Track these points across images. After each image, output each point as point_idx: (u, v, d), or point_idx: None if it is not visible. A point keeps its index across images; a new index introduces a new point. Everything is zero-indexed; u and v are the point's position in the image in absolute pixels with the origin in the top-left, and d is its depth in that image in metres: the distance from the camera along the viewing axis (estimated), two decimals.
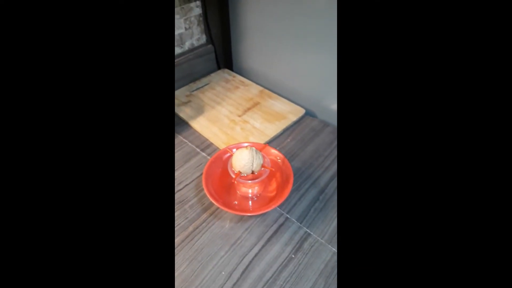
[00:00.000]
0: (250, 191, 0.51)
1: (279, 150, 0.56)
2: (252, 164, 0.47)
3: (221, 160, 0.55)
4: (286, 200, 0.51)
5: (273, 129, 0.68)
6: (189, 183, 0.58)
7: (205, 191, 0.48)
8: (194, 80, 0.84)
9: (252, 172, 0.48)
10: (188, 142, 0.67)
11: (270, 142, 0.66)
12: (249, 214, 0.46)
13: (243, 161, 0.46)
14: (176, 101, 0.76)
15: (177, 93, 0.79)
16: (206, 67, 0.87)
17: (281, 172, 0.54)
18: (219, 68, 0.90)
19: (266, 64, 0.83)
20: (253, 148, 0.47)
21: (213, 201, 0.47)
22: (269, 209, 0.46)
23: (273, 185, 0.54)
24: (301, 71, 0.74)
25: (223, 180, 0.53)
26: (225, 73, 0.87)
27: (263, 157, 0.50)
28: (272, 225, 0.51)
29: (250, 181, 0.47)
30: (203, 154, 0.64)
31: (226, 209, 0.46)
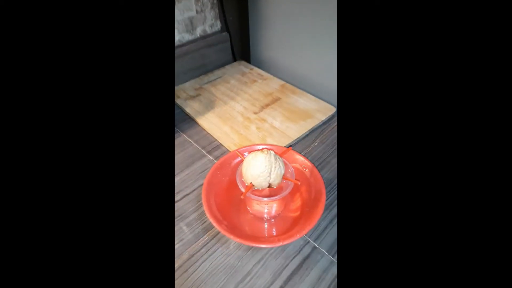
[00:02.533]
0: (266, 210, 0.37)
1: (305, 156, 0.42)
2: (270, 174, 0.33)
3: (229, 167, 0.41)
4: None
5: (296, 130, 0.54)
6: (190, 193, 0.45)
7: (205, 208, 0.35)
8: (205, 72, 0.72)
9: (269, 186, 0.34)
10: (192, 142, 0.54)
11: (292, 146, 0.52)
12: (262, 246, 0.32)
13: (257, 169, 0.33)
14: (183, 95, 0.64)
15: (186, 86, 0.67)
16: (220, 58, 0.74)
17: (309, 185, 0.39)
18: (234, 59, 0.77)
19: (289, 56, 0.70)
20: (272, 152, 0.34)
21: (214, 224, 0.33)
22: (291, 240, 0.32)
23: (297, 203, 0.40)
24: (331, 63, 0.59)
25: (230, 193, 0.40)
26: (241, 65, 0.74)
27: (285, 165, 0.36)
28: (294, 257, 0.37)
29: (266, 199, 0.34)
30: (210, 157, 0.51)
31: (231, 236, 0.32)
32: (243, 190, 0.34)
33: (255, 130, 0.54)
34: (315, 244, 0.38)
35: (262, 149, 0.33)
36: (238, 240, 0.32)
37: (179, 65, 0.67)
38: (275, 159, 0.33)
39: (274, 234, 0.37)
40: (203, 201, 0.35)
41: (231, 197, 0.39)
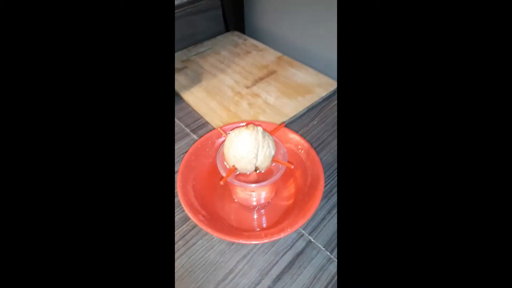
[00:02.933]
0: (254, 198, 0.32)
1: (302, 136, 0.36)
2: (256, 155, 0.27)
3: (212, 147, 0.35)
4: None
5: (293, 107, 0.48)
6: None
7: (179, 194, 0.29)
8: (194, 43, 0.64)
9: (256, 170, 0.28)
10: (176, 120, 0.48)
11: (289, 125, 0.46)
12: (248, 243, 0.27)
13: (241, 150, 0.26)
14: None
15: None
16: (211, 27, 0.66)
17: (304, 169, 0.34)
18: (227, 30, 0.69)
19: (287, 25, 0.62)
20: (259, 128, 0.27)
21: (189, 214, 0.28)
22: (281, 235, 0.26)
23: (291, 189, 0.34)
24: (333, 34, 0.52)
25: (213, 178, 0.34)
26: (234, 36, 0.66)
27: (276, 145, 0.30)
28: (285, 253, 0.31)
29: (251, 185, 0.28)
30: (194, 136, 0.45)
31: (207, 229, 0.26)
32: (223, 174, 0.28)
33: (246, 107, 0.48)
34: (310, 238, 0.32)
35: (247, 125, 0.27)
36: (215, 234, 0.26)
37: None
38: (264, 137, 0.27)
39: (262, 226, 0.32)
40: (178, 186, 0.30)
41: (213, 183, 0.34)
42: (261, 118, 0.46)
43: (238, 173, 0.29)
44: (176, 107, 0.50)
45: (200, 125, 0.47)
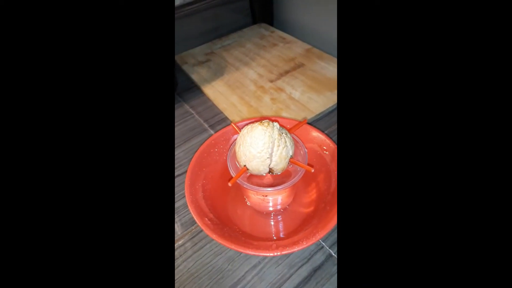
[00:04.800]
0: (270, 203, 0.28)
1: (328, 136, 0.31)
2: (271, 155, 0.23)
3: (226, 144, 0.32)
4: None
5: (320, 103, 0.43)
6: (182, 173, 0.37)
7: (186, 194, 0.26)
8: (219, 36, 0.61)
9: (270, 171, 0.25)
10: (194, 114, 0.45)
11: (314, 122, 0.41)
12: (255, 254, 0.23)
13: (253, 148, 0.23)
14: (191, 61, 0.55)
15: (195, 51, 0.58)
16: (237, 19, 0.63)
17: (328, 173, 0.29)
18: (254, 22, 0.66)
19: (318, 17, 0.57)
20: (276, 125, 0.24)
21: (194, 215, 0.25)
22: (298, 248, 0.23)
23: (312, 195, 0.30)
24: None
25: (226, 178, 0.31)
26: (261, 28, 0.63)
27: (296, 144, 0.26)
28: (300, 266, 0.27)
29: (266, 189, 0.24)
30: (212, 132, 0.42)
31: (213, 235, 0.23)
32: (233, 174, 0.24)
33: (269, 102, 0.44)
34: (331, 252, 0.28)
35: (262, 121, 0.23)
36: (220, 241, 0.23)
37: (188, 28, 0.57)
38: (280, 134, 0.23)
39: (276, 235, 0.28)
40: (186, 186, 0.27)
41: (226, 184, 0.30)
42: (284, 114, 0.42)
43: (249, 174, 0.26)
44: (196, 101, 0.48)
45: (219, 120, 0.44)
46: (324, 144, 0.30)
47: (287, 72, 0.50)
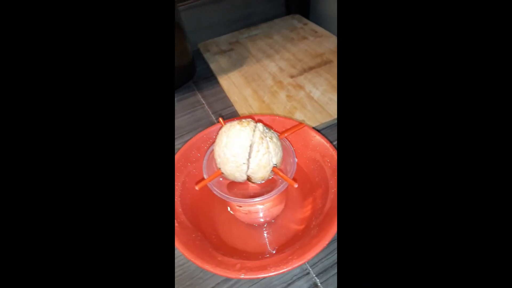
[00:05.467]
0: (251, 214, 0.24)
1: (335, 146, 0.26)
2: (248, 161, 0.20)
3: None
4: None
5: None
6: None
7: None
8: (249, 25, 0.58)
9: (249, 180, 0.21)
10: (205, 105, 0.43)
11: (327, 128, 0.36)
12: (215, 272, 0.20)
13: (228, 151, 0.20)
14: (214, 49, 0.52)
15: (220, 39, 0.55)
16: (269, 8, 0.59)
17: (326, 190, 0.25)
18: (288, 12, 0.61)
19: None
20: (259, 126, 0.20)
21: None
22: (263, 275, 0.19)
23: (306, 211, 0.26)
24: None
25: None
26: (294, 20, 0.58)
27: (285, 151, 0.22)
28: None
29: (237, 199, 0.20)
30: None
31: (176, 243, 0.21)
32: (206, 176, 0.21)
33: (284, 99, 0.40)
34: (317, 281, 0.24)
35: (241, 121, 0.20)
36: (181, 248, 0.20)
37: (216, 15, 0.55)
38: (262, 138, 0.19)
39: (250, 252, 0.24)
40: None
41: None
42: (297, 114, 0.37)
43: (220, 179, 0.22)
44: (209, 91, 0.45)
45: (228, 114, 0.41)
46: (327, 155, 0.25)
47: (311, 68, 0.45)
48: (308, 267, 0.24)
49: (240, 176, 0.20)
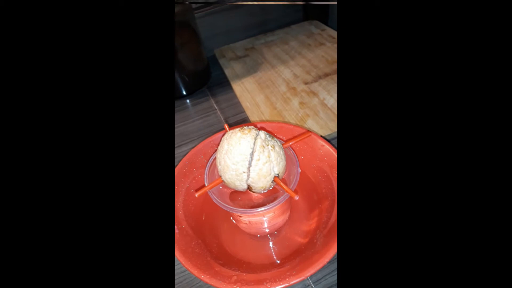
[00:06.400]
0: (246, 224, 0.24)
1: None
2: (248, 170, 0.19)
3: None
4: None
5: None
6: None
7: None
8: (265, 31, 0.58)
9: (249, 188, 0.20)
10: (217, 110, 0.43)
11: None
12: (209, 282, 0.19)
13: (228, 158, 0.19)
14: (230, 55, 0.53)
15: (236, 45, 0.55)
16: (286, 14, 0.59)
17: (332, 204, 0.23)
18: (306, 18, 0.60)
19: None
20: (262, 134, 0.19)
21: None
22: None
23: (312, 223, 0.25)
24: None
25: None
26: (312, 25, 0.57)
27: (289, 160, 0.21)
28: None
29: (235, 209, 0.20)
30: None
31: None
32: (206, 183, 0.21)
33: (297, 105, 0.39)
34: None
35: (243, 128, 0.19)
36: (178, 255, 0.20)
37: (233, 21, 0.55)
38: (264, 146, 0.19)
39: (251, 263, 0.23)
40: None
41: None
42: (309, 122, 0.36)
43: (220, 187, 0.22)
44: (222, 97, 0.45)
45: (240, 120, 0.41)
46: (335, 165, 0.24)
47: (326, 75, 0.43)
48: (311, 283, 0.23)
49: (241, 185, 0.20)
